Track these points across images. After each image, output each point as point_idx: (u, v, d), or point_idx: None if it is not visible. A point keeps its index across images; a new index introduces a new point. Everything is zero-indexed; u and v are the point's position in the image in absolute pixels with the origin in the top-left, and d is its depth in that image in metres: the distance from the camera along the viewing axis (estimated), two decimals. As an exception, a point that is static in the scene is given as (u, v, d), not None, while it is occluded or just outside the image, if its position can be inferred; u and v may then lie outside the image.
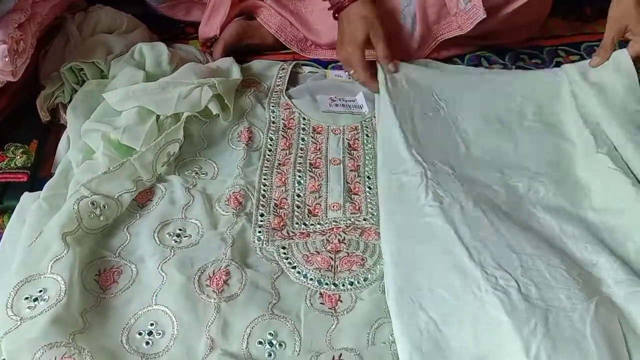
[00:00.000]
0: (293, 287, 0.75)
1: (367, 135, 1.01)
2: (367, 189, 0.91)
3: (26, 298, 0.67)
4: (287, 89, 1.12)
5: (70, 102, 1.01)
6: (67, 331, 0.64)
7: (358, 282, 0.76)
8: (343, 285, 0.76)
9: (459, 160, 0.89)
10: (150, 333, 0.68)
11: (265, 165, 0.94)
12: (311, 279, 0.76)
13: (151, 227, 0.81)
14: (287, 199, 0.89)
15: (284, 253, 0.80)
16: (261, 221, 0.84)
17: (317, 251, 0.80)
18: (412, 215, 0.78)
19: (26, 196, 0.84)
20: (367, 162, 0.96)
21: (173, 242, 0.79)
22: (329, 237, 0.82)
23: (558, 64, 1.24)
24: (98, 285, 0.73)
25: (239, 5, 1.24)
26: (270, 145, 0.99)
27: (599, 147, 0.90)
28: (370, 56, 1.09)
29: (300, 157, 0.97)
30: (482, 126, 0.97)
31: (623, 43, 1.06)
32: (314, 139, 1.01)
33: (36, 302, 0.67)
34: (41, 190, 0.83)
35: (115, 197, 0.82)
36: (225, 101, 1.01)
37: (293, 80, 1.17)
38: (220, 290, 0.72)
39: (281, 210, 0.87)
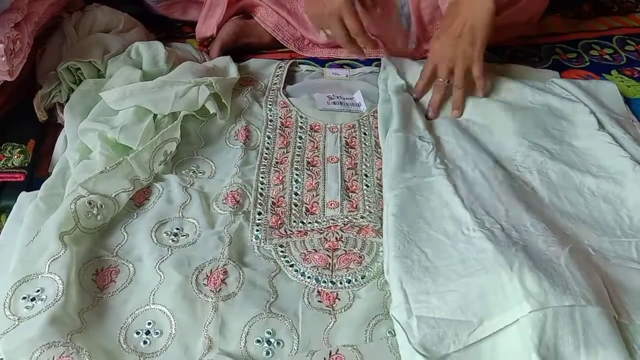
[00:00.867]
0: (291, 285, 0.75)
1: (364, 133, 1.01)
2: (365, 187, 0.91)
3: (24, 298, 0.67)
4: (284, 87, 1.12)
5: (67, 101, 1.01)
6: (65, 331, 0.64)
7: (356, 280, 0.76)
8: (341, 283, 0.76)
9: (461, 133, 0.96)
10: (147, 332, 0.68)
11: (263, 163, 0.94)
12: (309, 277, 0.76)
13: (148, 226, 0.81)
14: (284, 197, 0.89)
15: (282, 251, 0.80)
16: (259, 220, 0.84)
17: (314, 249, 0.80)
18: (422, 173, 0.86)
19: (23, 196, 0.84)
20: (364, 160, 0.96)
21: (170, 241, 0.79)
22: (326, 235, 0.82)
23: (555, 62, 1.25)
24: (95, 285, 0.73)
25: (236, 4, 1.25)
26: (268, 143, 0.99)
27: (600, 127, 0.96)
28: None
29: (298, 155, 0.97)
30: (483, 102, 1.03)
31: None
32: (311, 137, 1.01)
33: (34, 302, 0.67)
34: (38, 189, 0.83)
35: (113, 196, 0.82)
36: (223, 100, 1.01)
37: (290, 78, 1.17)
38: (217, 289, 0.72)
39: (279, 209, 0.87)
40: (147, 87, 0.97)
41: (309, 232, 0.83)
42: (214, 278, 0.73)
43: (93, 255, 0.76)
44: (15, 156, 0.92)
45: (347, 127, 1.03)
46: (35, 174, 0.92)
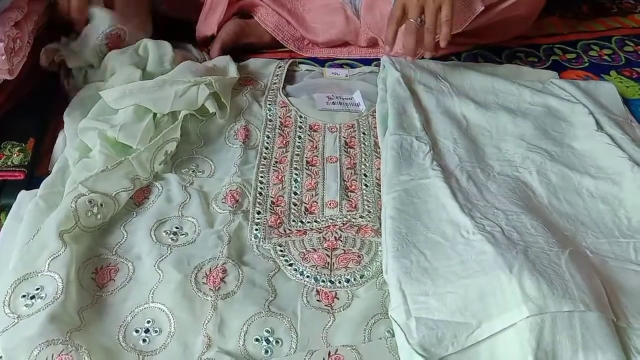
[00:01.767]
0: (290, 285, 0.75)
1: (363, 133, 1.02)
2: (364, 187, 0.91)
3: (23, 296, 0.67)
4: (284, 87, 1.12)
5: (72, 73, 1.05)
6: (64, 329, 0.64)
7: (354, 279, 0.76)
8: (339, 282, 0.76)
9: (460, 135, 0.96)
10: (147, 330, 0.69)
11: (262, 163, 0.95)
12: (308, 276, 0.76)
13: (148, 225, 0.81)
14: (283, 197, 0.89)
15: (281, 250, 0.80)
16: (258, 219, 0.84)
17: (313, 248, 0.80)
18: (418, 174, 0.86)
19: (23, 194, 0.84)
20: (363, 159, 0.96)
21: (170, 240, 0.79)
22: (325, 234, 0.82)
23: (554, 62, 1.25)
24: (95, 283, 0.73)
25: (237, 4, 1.25)
26: (267, 143, 0.99)
27: (599, 128, 0.96)
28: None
29: (297, 155, 0.97)
30: (482, 103, 1.03)
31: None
32: (310, 136, 1.01)
33: (33, 300, 0.67)
34: (38, 188, 0.83)
35: (113, 195, 0.82)
36: (222, 99, 1.01)
37: (290, 78, 1.17)
38: (217, 288, 0.72)
39: (278, 208, 0.87)
40: (146, 86, 0.97)
41: (308, 232, 0.83)
42: (213, 277, 0.74)
43: (92, 253, 0.77)
44: (15, 155, 0.92)
45: (347, 126, 1.03)
46: (35, 173, 0.92)
